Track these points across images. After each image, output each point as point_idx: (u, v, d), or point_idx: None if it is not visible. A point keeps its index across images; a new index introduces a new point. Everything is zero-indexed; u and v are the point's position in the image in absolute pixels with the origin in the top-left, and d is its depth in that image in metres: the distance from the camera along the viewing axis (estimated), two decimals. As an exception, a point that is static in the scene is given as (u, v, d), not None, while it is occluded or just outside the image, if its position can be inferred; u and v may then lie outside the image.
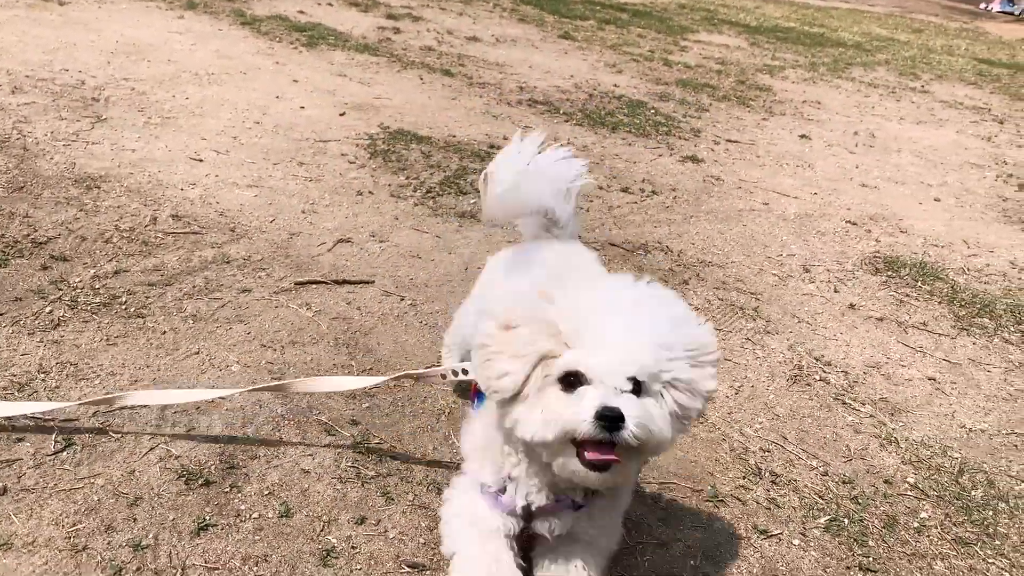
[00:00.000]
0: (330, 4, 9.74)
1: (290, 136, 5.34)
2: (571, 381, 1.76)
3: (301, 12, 9.01)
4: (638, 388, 1.76)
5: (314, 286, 3.58)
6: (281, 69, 6.81)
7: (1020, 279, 4.83)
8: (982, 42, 16.28)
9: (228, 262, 3.66)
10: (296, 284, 3.56)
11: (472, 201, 4.70)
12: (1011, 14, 21.92)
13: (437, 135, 5.77)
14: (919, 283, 4.61)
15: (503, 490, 2.01)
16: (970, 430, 3.34)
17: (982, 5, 23.02)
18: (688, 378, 1.81)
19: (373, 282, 3.68)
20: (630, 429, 1.69)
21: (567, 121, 6.71)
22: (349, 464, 2.56)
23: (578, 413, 1.70)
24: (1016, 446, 3.27)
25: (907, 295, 4.45)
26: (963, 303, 4.42)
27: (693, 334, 1.86)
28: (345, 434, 2.69)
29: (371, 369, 3.05)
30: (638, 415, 1.71)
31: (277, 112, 5.76)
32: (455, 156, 5.41)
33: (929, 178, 6.62)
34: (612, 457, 1.73)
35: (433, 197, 4.70)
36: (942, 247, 5.20)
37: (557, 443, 1.76)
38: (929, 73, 11.32)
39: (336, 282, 3.63)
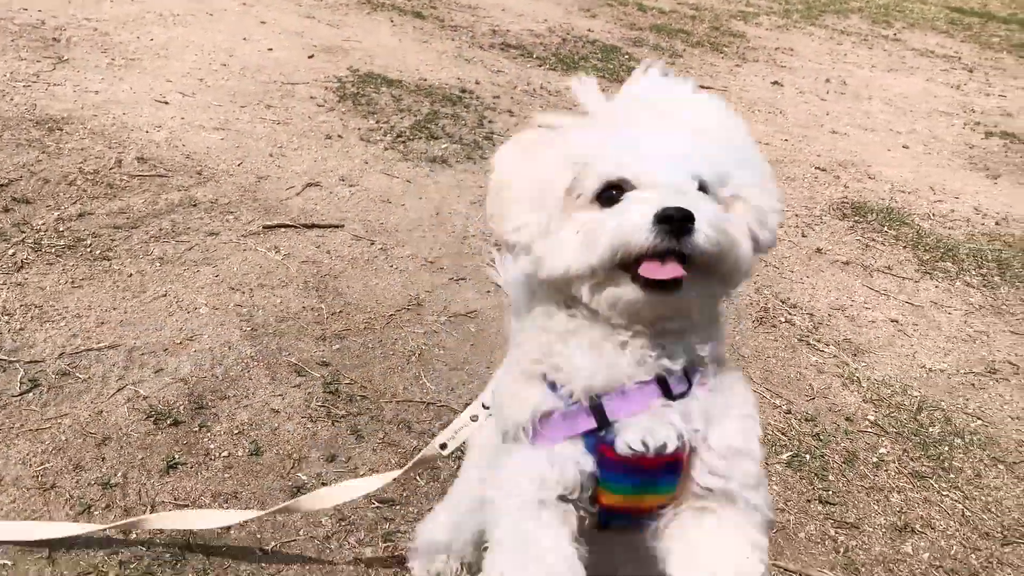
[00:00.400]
0: (298, -56, 9.47)
1: (257, 79, 5.24)
2: (608, 196, 1.34)
3: (268, -48, 8.77)
4: (702, 191, 1.37)
5: (283, 230, 3.55)
6: (248, 10, 6.65)
7: (983, 224, 4.90)
8: (956, -10, 16.26)
9: (195, 205, 3.61)
10: (264, 227, 3.53)
11: (443, 146, 4.67)
12: None
13: (408, 78, 5.69)
14: (885, 228, 4.66)
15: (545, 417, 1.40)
16: (930, 370, 3.42)
17: None
18: (757, 199, 1.41)
19: (343, 226, 3.66)
20: (703, 231, 1.27)
21: (540, 66, 6.64)
22: (319, 404, 2.58)
23: (631, 218, 1.27)
24: (973, 385, 3.36)
25: (873, 240, 4.51)
26: (927, 248, 4.48)
27: (754, 150, 1.48)
28: (315, 375, 2.70)
29: (340, 312, 3.05)
30: (712, 215, 1.29)
31: (244, 54, 5.64)
32: (426, 100, 5.35)
33: (898, 125, 6.66)
34: (679, 271, 1.27)
35: (404, 141, 4.66)
36: (909, 193, 5.26)
37: (604, 268, 1.30)
38: (902, 21, 11.30)
39: (305, 226, 3.60)
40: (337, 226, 3.66)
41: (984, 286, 4.14)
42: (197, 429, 2.41)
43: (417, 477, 2.36)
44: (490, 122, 5.19)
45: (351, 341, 2.89)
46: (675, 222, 1.25)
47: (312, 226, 3.61)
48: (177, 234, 3.37)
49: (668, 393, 1.36)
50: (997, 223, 4.96)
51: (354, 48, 6.14)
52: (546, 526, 1.37)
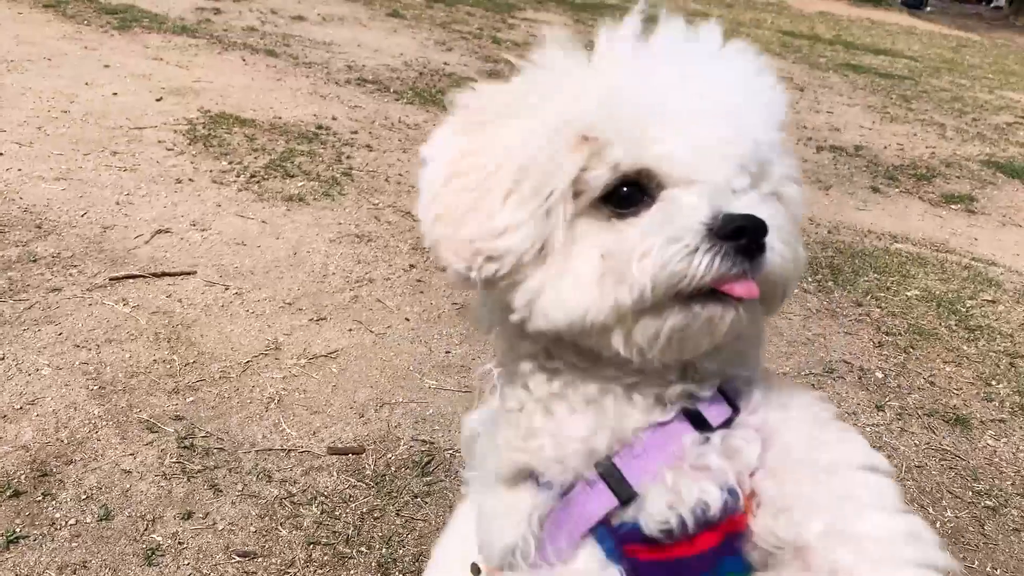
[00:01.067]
0: (141, -17, 9.21)
1: (102, 124, 5.06)
2: (626, 196, 0.93)
3: (109, -8, 8.49)
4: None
5: (131, 280, 3.44)
6: (90, 54, 6.42)
7: (816, 233, 5.27)
8: (785, 15, 17.42)
9: (35, 260, 3.46)
10: (111, 279, 3.42)
11: (300, 184, 4.64)
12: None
13: (261, 117, 5.63)
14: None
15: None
16: (774, 373, 3.64)
17: None
18: (795, 198, 1.02)
19: (195, 272, 3.58)
20: (777, 248, 0.92)
21: (398, 100, 6.69)
22: (173, 460, 2.51)
23: (678, 237, 0.88)
24: (813, 385, 3.60)
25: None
26: (768, 259, 4.79)
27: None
28: (168, 430, 2.63)
29: (194, 362, 2.99)
30: (780, 222, 0.95)
31: (87, 99, 5.43)
32: (281, 138, 5.30)
33: (740, 144, 7.08)
34: (754, 289, 0.88)
35: (258, 181, 4.60)
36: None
37: (640, 306, 0.89)
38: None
39: (155, 275, 3.50)
40: (189, 273, 3.57)
41: (819, 291, 4.46)
42: (40, 498, 2.30)
43: (279, 527, 2.34)
44: (348, 158, 5.19)
45: (205, 392, 2.83)
46: (745, 236, 0.88)
47: (162, 275, 3.52)
48: (15, 292, 3.21)
49: (702, 425, 0.95)
50: (829, 231, 5.34)
51: (205, 89, 6.02)
52: None
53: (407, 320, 3.47)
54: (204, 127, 5.25)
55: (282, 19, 8.78)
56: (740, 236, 0.87)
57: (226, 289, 3.49)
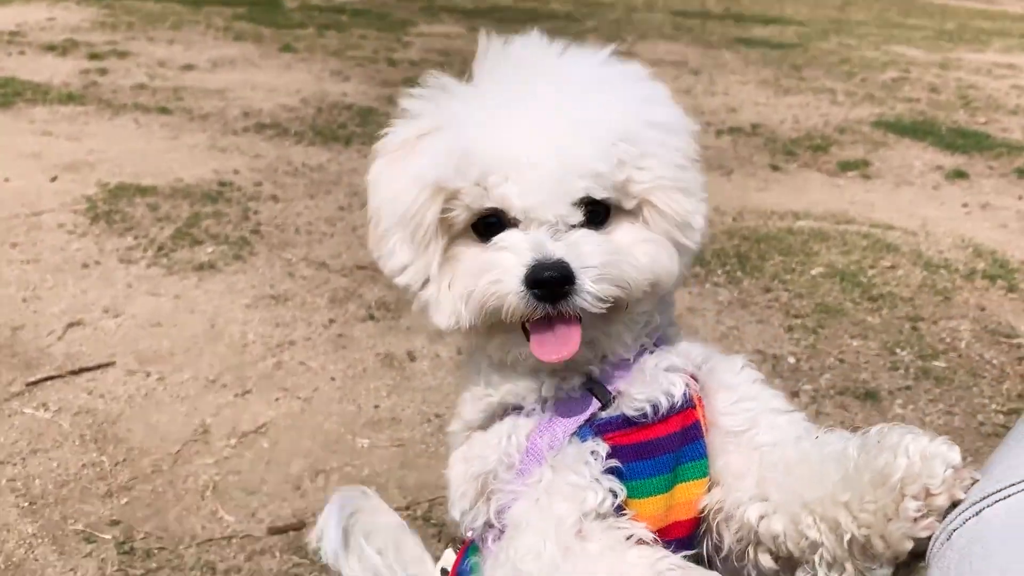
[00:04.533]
0: (22, 53, 8.97)
1: (-4, 215, 4.96)
2: (489, 224, 1.20)
3: (-13, 66, 8.25)
4: (604, 211, 1.19)
5: (49, 382, 3.41)
6: (-28, 138, 6.25)
7: (722, 223, 5.46)
8: (677, -7, 17.80)
9: (-56, 376, 3.40)
10: (28, 385, 3.38)
11: (209, 250, 4.62)
12: None
13: (162, 182, 5.57)
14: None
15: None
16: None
17: None
18: (671, 201, 1.21)
19: (114, 363, 3.56)
20: (586, 289, 1.11)
21: (299, 142, 6.68)
22: (115, 569, 2.52)
23: (498, 279, 1.13)
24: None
25: (632, 259, 4.91)
26: (678, 257, 4.95)
27: (671, 121, 1.25)
28: (106, 537, 2.64)
29: (124, 460, 2.99)
30: (598, 260, 1.13)
31: (-24, 190, 5.31)
32: (184, 203, 5.26)
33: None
34: (573, 344, 1.14)
35: (166, 254, 4.57)
36: (657, 206, 5.77)
37: (484, 325, 1.19)
38: (633, 34, 12.25)
39: (72, 372, 3.47)
40: (108, 364, 3.55)
41: (729, 283, 4.63)
42: (-17, 632, 2.30)
43: (228, 619, 2.37)
44: (255, 213, 5.19)
45: (139, 490, 2.84)
46: (547, 287, 1.10)
47: (80, 371, 3.49)
48: (-72, 416, 3.16)
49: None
50: (734, 219, 5.54)
51: (100, 160, 5.93)
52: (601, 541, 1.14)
53: (332, 379, 3.51)
54: (104, 202, 5.18)
55: (170, 71, 8.66)
56: (544, 286, 1.10)
57: (147, 376, 3.49)
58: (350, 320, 3.98)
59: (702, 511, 1.26)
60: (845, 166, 6.75)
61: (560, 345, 1.13)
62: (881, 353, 3.93)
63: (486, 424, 1.31)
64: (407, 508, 2.75)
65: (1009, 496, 0.81)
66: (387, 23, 12.24)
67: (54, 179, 5.53)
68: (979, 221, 5.69)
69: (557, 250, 1.12)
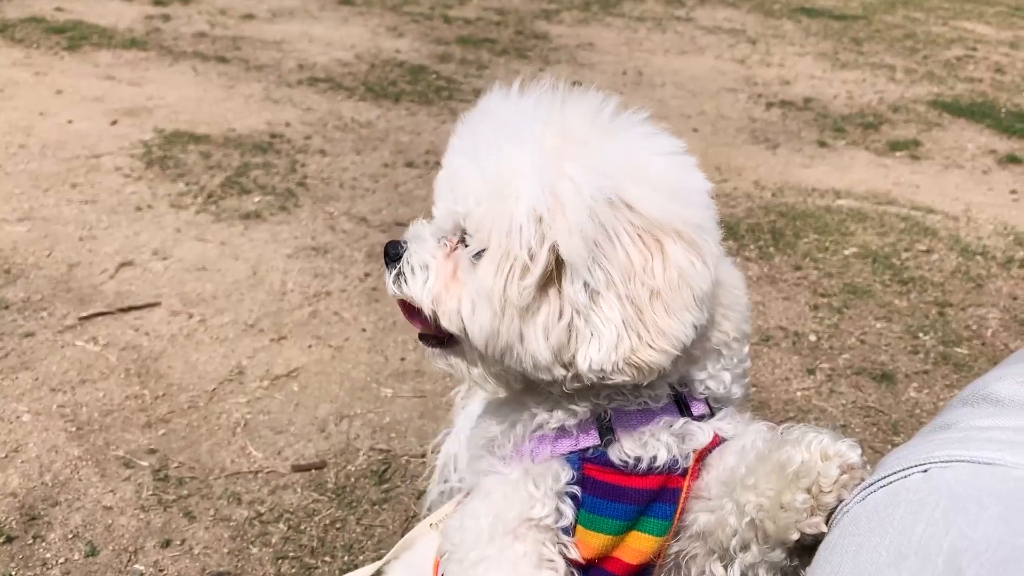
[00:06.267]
0: (88, -5, 9.23)
1: (60, 156, 5.21)
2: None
3: (59, 9, 8.52)
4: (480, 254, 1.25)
5: (99, 318, 3.64)
6: (42, 80, 6.52)
7: (761, 197, 5.48)
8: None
9: (6, 307, 3.65)
10: (80, 319, 3.61)
11: (256, 199, 4.81)
12: None
13: (215, 131, 5.77)
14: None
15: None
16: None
17: None
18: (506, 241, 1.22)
19: (160, 303, 3.78)
20: (409, 275, 1.32)
21: (350, 97, 6.82)
22: (150, 493, 2.74)
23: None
24: (750, 353, 3.84)
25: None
26: (712, 230, 4.99)
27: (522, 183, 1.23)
28: (143, 464, 2.85)
29: (164, 395, 3.20)
30: (419, 259, 1.33)
31: (43, 130, 5.57)
32: (235, 152, 5.45)
33: (689, 109, 7.24)
34: (418, 323, 1.36)
35: (215, 201, 4.77)
36: (697, 178, 5.78)
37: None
38: (694, -2, 12.08)
39: (121, 310, 3.70)
40: (154, 304, 3.77)
41: (760, 258, 4.67)
42: (32, 541, 2.53)
43: (250, 545, 2.57)
44: (302, 166, 5.36)
45: (176, 423, 3.05)
46: (386, 256, 1.36)
47: (129, 309, 3.71)
48: (-10, 342, 3.41)
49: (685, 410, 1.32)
50: (773, 194, 5.55)
51: (158, 106, 6.15)
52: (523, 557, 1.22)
53: (363, 331, 3.68)
54: (159, 148, 5.40)
55: (231, 19, 8.84)
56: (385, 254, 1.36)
57: (190, 317, 3.70)
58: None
59: (652, 561, 1.30)
60: (895, 146, 6.66)
61: (410, 317, 1.40)
62: (903, 336, 3.96)
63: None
64: (422, 456, 2.91)
65: (887, 484, 0.90)
66: (446, -21, 12.23)
67: (114, 123, 5.77)
68: (1026, 209, 5.60)
69: (408, 245, 1.42)
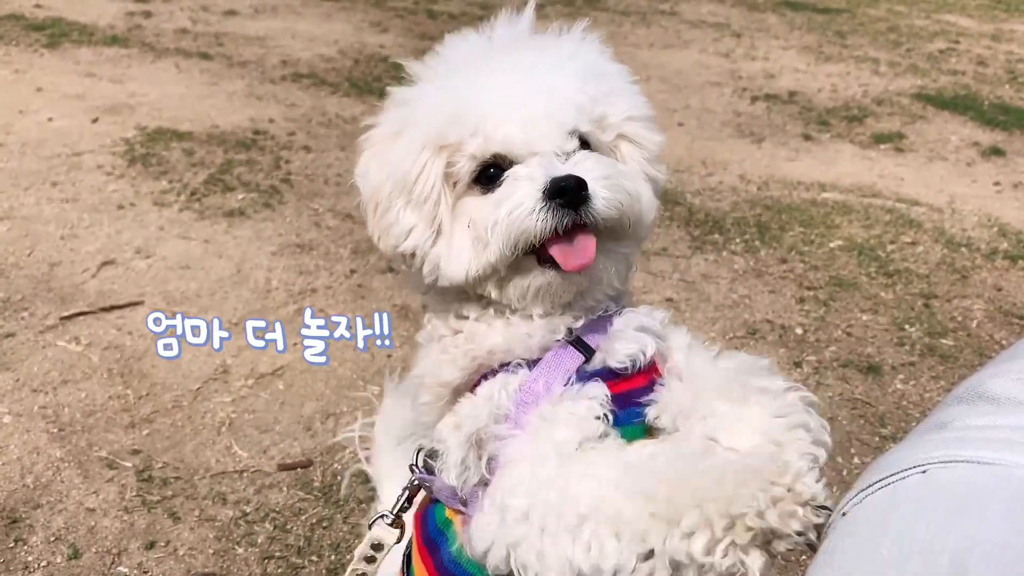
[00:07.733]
0: (68, -9, 9.13)
1: (40, 154, 5.15)
2: (492, 175, 1.29)
3: (38, 6, 8.42)
4: (585, 145, 1.31)
5: (81, 317, 3.60)
6: (21, 77, 6.44)
7: (747, 191, 5.48)
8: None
9: (-14, 307, 3.60)
10: (62, 319, 3.57)
11: (240, 197, 4.77)
12: None
13: (198, 128, 5.72)
14: (661, 210, 5.14)
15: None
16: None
17: None
18: (642, 135, 1.36)
19: (143, 302, 3.74)
20: (600, 195, 1.23)
21: (334, 93, 6.77)
22: (134, 494, 2.71)
23: (519, 202, 1.22)
24: (736, 347, 3.83)
25: (652, 224, 4.96)
26: (697, 223, 4.99)
27: (624, 78, 1.40)
28: (127, 465, 2.82)
29: (147, 394, 3.17)
30: (603, 172, 1.26)
31: (23, 128, 5.50)
32: (218, 149, 5.40)
33: (674, 103, 7.23)
34: (591, 250, 1.24)
35: (198, 199, 4.73)
36: (682, 172, 5.79)
37: (505, 263, 1.26)
38: (678, -8, 12.07)
39: (103, 309, 3.66)
40: (137, 303, 3.73)
41: (746, 251, 4.68)
42: (13, 544, 2.50)
43: (235, 546, 2.55)
44: (286, 162, 5.32)
45: (160, 423, 3.02)
46: (567, 194, 1.20)
47: (111, 308, 3.67)
48: (-30, 343, 3.36)
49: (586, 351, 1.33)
50: (759, 188, 5.55)
51: (140, 104, 6.08)
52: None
53: (349, 328, 3.65)
54: (141, 146, 5.35)
55: (214, 16, 8.76)
56: (562, 194, 1.19)
57: (173, 316, 3.65)
58: (370, 271, 4.11)
59: None
60: (879, 139, 6.68)
61: (582, 252, 1.23)
62: (889, 328, 3.97)
63: (466, 384, 1.34)
64: (409, 453, 2.88)
65: (886, 486, 0.89)
66: (430, -26, 12.18)
67: (95, 120, 5.71)
68: (1009, 200, 5.63)
69: (566, 168, 1.23)
